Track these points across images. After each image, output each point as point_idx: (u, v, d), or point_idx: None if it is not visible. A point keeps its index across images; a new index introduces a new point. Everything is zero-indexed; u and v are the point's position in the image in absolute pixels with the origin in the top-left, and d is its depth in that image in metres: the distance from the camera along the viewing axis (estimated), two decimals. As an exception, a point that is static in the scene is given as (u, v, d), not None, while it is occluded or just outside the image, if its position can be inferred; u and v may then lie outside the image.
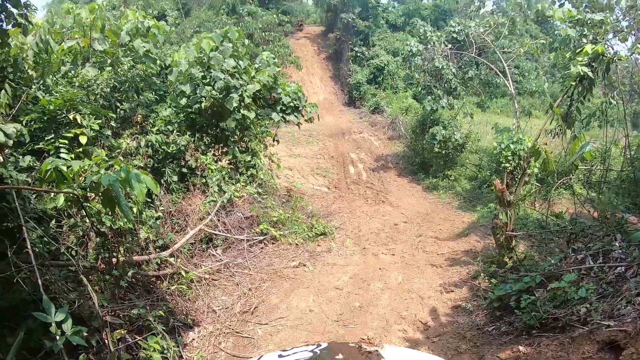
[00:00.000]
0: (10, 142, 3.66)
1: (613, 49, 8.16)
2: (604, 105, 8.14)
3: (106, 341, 3.89)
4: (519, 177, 7.20)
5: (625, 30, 7.64)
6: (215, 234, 8.43)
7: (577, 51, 7.07)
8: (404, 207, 12.25)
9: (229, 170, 9.64)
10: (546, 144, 6.31)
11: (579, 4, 8.95)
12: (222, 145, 9.95)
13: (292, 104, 10.86)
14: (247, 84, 9.62)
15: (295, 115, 10.99)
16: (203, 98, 9.13)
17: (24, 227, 3.32)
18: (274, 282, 7.75)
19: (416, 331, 6.41)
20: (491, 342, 5.74)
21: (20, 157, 5.28)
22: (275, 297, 7.33)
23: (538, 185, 10.13)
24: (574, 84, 7.15)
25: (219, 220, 8.67)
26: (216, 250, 8.27)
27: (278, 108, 10.75)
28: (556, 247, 7.95)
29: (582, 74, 6.90)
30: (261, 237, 8.96)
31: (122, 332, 4.25)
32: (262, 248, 8.85)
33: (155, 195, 7.91)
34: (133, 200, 6.02)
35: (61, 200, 3.95)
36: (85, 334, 3.45)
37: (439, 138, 13.73)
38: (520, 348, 5.17)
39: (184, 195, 8.68)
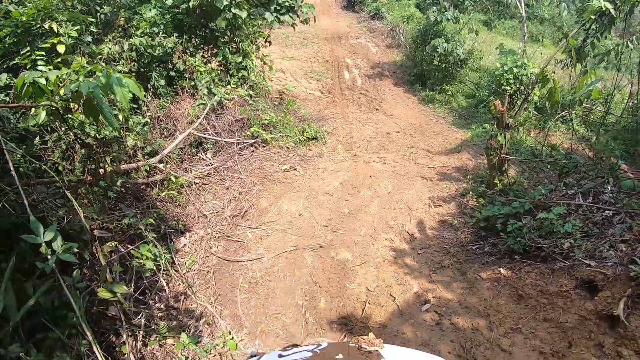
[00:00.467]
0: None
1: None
2: (620, 48, 7.67)
3: (97, 255, 3.91)
4: (518, 101, 6.97)
5: None
6: (205, 138, 8.24)
7: None
8: (397, 117, 12.01)
9: (219, 72, 9.16)
10: (554, 73, 5.97)
11: None
12: (211, 46, 9.35)
13: (287, 4, 10.25)
14: (241, -21, 8.77)
15: (290, 16, 10.39)
16: (191, -4, 8.36)
17: (4, 149, 3.11)
18: (265, 186, 7.76)
19: (402, 241, 6.62)
20: (474, 260, 5.98)
21: None
22: (266, 200, 7.39)
23: (536, 114, 9.94)
24: (593, 17, 6.65)
25: (208, 124, 8.43)
26: (206, 154, 8.14)
27: (272, 7, 10.17)
28: (545, 177, 7.99)
29: (603, 9, 6.38)
30: (252, 141, 8.81)
31: (113, 244, 4.27)
32: (252, 151, 8.74)
33: (142, 100, 7.57)
34: (118, 107, 5.72)
35: (42, 115, 3.68)
36: (76, 249, 3.45)
37: (440, 51, 13.00)
38: (502, 270, 5.40)
39: (172, 100, 8.34)
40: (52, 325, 3.53)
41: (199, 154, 8.05)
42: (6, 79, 4.87)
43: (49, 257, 3.20)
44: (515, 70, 10.24)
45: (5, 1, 6.11)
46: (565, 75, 9.80)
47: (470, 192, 7.64)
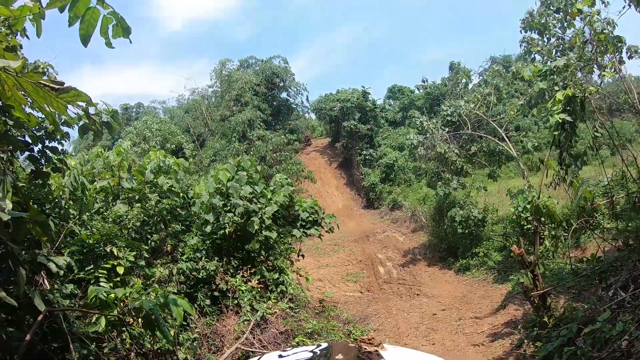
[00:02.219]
0: (61, 273, 4.10)
1: (593, 82, 8.59)
2: (592, 142, 8.34)
3: None
4: (546, 231, 7.21)
5: (589, 63, 8.06)
6: (252, 352, 8.39)
7: (549, 102, 7.46)
8: (439, 295, 12.09)
9: (259, 289, 9.85)
10: (549, 197, 6.44)
11: (548, 53, 9.52)
12: (249, 266, 10.25)
13: (310, 218, 11.32)
14: (265, 207, 10.16)
15: (315, 229, 11.35)
16: (226, 224, 9.64)
17: (71, 346, 3.60)
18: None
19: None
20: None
21: (63, 285, 5.69)
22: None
23: (553, 239, 9.99)
24: (556, 133, 7.46)
25: (254, 338, 8.67)
26: (253, 368, 8.17)
27: (298, 224, 11.20)
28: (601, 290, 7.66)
29: (560, 121, 7.19)
30: (298, 351, 8.85)
31: None
32: (300, 360, 8.70)
33: (191, 318, 8.13)
34: (170, 323, 6.26)
35: (102, 324, 4.27)
36: None
37: (458, 219, 13.84)
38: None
39: (218, 318, 8.83)
40: None
41: (246, 369, 8.09)
42: (72, 289, 5.59)
43: None
44: (528, 207, 10.59)
45: (72, 222, 7.20)
46: (560, 192, 10.04)
47: (525, 341, 7.28)
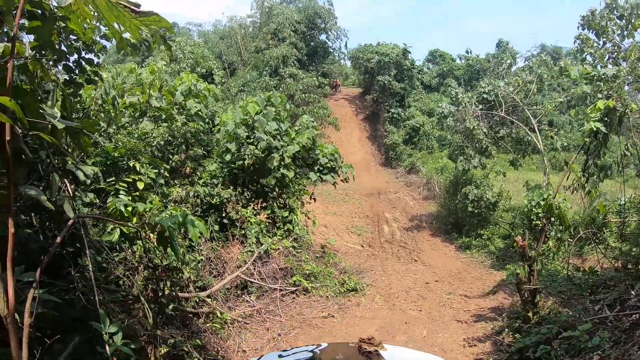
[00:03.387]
0: (88, 181, 4.34)
1: (638, 99, 8.31)
2: (620, 159, 8.21)
3: (150, 356, 4.32)
4: (554, 231, 7.28)
5: (639, 80, 7.85)
6: (251, 282, 8.88)
7: (589, 108, 7.31)
8: (436, 266, 12.35)
9: (267, 224, 10.22)
10: (564, 200, 6.44)
11: (600, 57, 9.15)
12: (261, 200, 10.58)
13: (328, 165, 11.47)
14: (288, 145, 10.34)
15: (331, 176, 11.55)
16: (246, 156, 9.86)
17: (87, 252, 3.90)
18: (303, 330, 8.03)
19: (436, 384, 6.46)
20: (511, 395, 5.78)
21: (84, 193, 6.00)
22: (303, 343, 7.45)
23: (571, 241, 10.05)
24: (587, 140, 7.35)
25: (254, 269, 9.14)
26: (250, 296, 8.68)
27: (315, 168, 11.38)
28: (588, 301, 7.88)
29: (594, 129, 7.09)
30: (293, 288, 9.33)
31: (164, 350, 4.65)
32: (293, 298, 9.18)
33: (198, 242, 8.55)
34: (179, 243, 6.62)
35: (116, 235, 4.58)
36: (133, 346, 3.91)
37: (471, 197, 13.85)
38: (538, 398, 5.21)
39: (223, 244, 9.24)
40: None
41: (243, 296, 8.60)
42: (91, 199, 5.90)
43: (108, 347, 3.69)
44: (542, 203, 10.61)
45: (96, 134, 7.40)
46: (577, 198, 10.05)
47: (506, 329, 7.57)
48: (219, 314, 7.20)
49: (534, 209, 10.80)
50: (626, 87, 7.95)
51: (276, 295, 8.93)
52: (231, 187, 9.85)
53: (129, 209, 4.18)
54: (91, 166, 4.28)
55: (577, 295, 8.16)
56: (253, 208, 10.15)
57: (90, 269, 3.81)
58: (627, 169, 10.85)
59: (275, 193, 10.68)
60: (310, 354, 1.59)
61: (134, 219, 4.46)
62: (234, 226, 9.59)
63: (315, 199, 12.08)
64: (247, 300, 8.53)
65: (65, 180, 4.11)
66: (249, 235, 9.54)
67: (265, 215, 10.38)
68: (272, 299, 8.85)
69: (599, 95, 7.43)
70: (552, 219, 7.69)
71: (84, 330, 3.84)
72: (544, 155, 11.91)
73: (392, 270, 11.88)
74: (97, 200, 5.97)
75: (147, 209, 4.43)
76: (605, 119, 7.17)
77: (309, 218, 11.77)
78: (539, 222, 10.45)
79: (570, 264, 9.49)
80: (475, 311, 8.91)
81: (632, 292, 5.87)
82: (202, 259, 8.25)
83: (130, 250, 5.61)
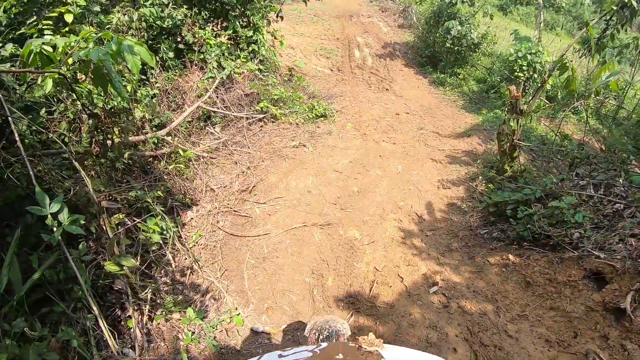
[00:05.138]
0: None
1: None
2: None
3: (104, 227, 3.88)
4: (530, 89, 6.77)
5: None
6: (214, 112, 8.15)
7: None
8: (407, 98, 11.82)
9: (229, 45, 9.00)
10: (572, 62, 5.77)
11: None
12: (221, 19, 9.12)
13: (298, -24, 9.83)
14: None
15: (302, -10, 9.93)
16: (202, -32, 8.08)
17: (10, 118, 3.03)
18: (273, 161, 7.69)
19: (411, 222, 6.57)
20: (482, 245, 5.93)
21: (3, 48, 4.71)
22: (274, 176, 7.33)
23: (547, 102, 9.74)
24: (615, 8, 6.41)
25: (217, 97, 8.34)
26: (214, 128, 8.07)
27: None
28: (555, 167, 7.85)
29: (626, 1, 6.21)
30: (261, 115, 8.71)
31: (121, 216, 4.22)
32: (261, 126, 8.65)
33: (151, 72, 7.46)
34: (127, 78, 5.61)
35: (49, 85, 3.57)
36: (82, 222, 3.39)
37: (454, 33, 12.64)
38: (510, 256, 5.35)
39: (181, 73, 8.20)
40: (57, 299, 3.50)
41: (207, 128, 7.98)
42: (12, 49, 4.71)
43: (55, 229, 3.16)
44: (529, 57, 10.02)
45: None
46: (579, 66, 9.60)
47: (480, 177, 7.55)
48: (181, 152, 6.63)
49: (519, 60, 10.19)
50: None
51: (242, 124, 8.36)
52: (185, 7, 8.29)
53: (49, 48, 3.11)
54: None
55: (549, 159, 8.08)
56: (212, 29, 8.80)
57: (16, 137, 2.99)
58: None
59: (237, 11, 9.23)
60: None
61: (61, 57, 3.43)
62: (192, 51, 8.39)
63: (282, 17, 10.68)
64: (211, 133, 7.94)
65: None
66: (209, 59, 8.44)
67: (227, 37, 9.08)
68: (239, 128, 8.30)
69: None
70: (535, 76, 7.21)
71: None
72: (540, 8, 10.65)
73: (363, 98, 11.36)
74: (20, 50, 4.68)
75: (71, 43, 3.35)
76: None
77: (275, 38, 10.54)
78: (521, 75, 9.93)
79: (547, 126, 9.28)
80: (450, 152, 8.76)
81: (620, 180, 5.68)
82: (156, 93, 7.28)
83: (70, 100, 4.63)
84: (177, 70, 8.14)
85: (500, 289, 5.03)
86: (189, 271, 5.17)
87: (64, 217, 3.17)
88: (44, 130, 4.12)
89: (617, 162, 5.89)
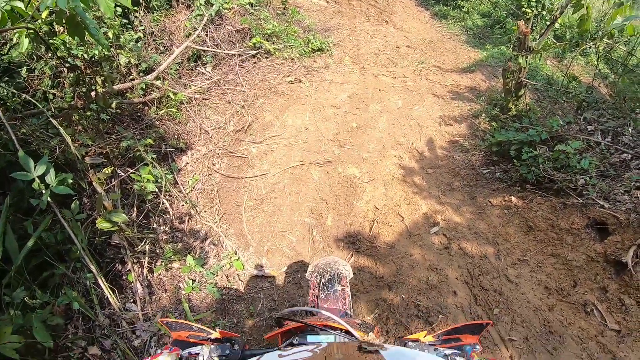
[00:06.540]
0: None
1: None
2: None
3: (93, 183, 3.74)
4: (539, 26, 6.30)
5: None
6: (204, 51, 7.74)
7: None
8: (408, 31, 11.26)
9: (217, -22, 8.38)
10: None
11: None
12: (208, -50, 8.42)
13: None
14: None
15: None
16: None
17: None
18: (268, 99, 7.39)
19: (412, 159, 6.41)
20: (484, 185, 5.83)
21: None
22: (270, 114, 7.06)
23: (554, 42, 9.20)
24: None
25: (207, 36, 7.89)
26: (205, 67, 7.70)
27: None
28: (560, 109, 7.50)
29: None
30: (254, 52, 8.31)
31: (109, 170, 4.06)
32: (255, 63, 8.27)
33: (135, 15, 6.95)
34: (108, 24, 5.21)
35: (25, 43, 3.26)
36: (70, 180, 3.26)
37: None
38: (513, 199, 5.26)
39: (167, 13, 7.69)
40: (56, 262, 3.44)
41: (198, 68, 7.61)
42: None
43: (43, 192, 3.02)
44: None
45: None
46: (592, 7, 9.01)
47: (483, 114, 7.30)
48: (172, 96, 6.34)
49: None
50: None
51: (235, 62, 7.98)
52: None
53: (19, 3, 2.80)
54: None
55: (554, 100, 7.71)
56: (198, -38, 8.15)
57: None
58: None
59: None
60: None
61: (31, 11, 3.12)
62: (177, -12, 7.82)
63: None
64: (202, 73, 7.59)
65: None
66: (196, -5, 7.89)
67: (215, -31, 8.44)
68: (231, 66, 7.93)
69: None
70: (544, 13, 6.69)
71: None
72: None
73: (361, 30, 10.82)
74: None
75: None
76: None
77: (266, -33, 9.84)
78: (528, 11, 9.29)
79: (555, 65, 8.80)
80: (452, 87, 8.43)
81: (629, 129, 5.42)
82: (141, 36, 6.82)
83: (49, 56, 4.29)
84: (162, 11, 7.62)
85: (501, 231, 4.99)
86: (187, 217, 5.09)
87: (51, 178, 3.02)
88: (21, 92, 3.84)
89: (627, 110, 5.63)
